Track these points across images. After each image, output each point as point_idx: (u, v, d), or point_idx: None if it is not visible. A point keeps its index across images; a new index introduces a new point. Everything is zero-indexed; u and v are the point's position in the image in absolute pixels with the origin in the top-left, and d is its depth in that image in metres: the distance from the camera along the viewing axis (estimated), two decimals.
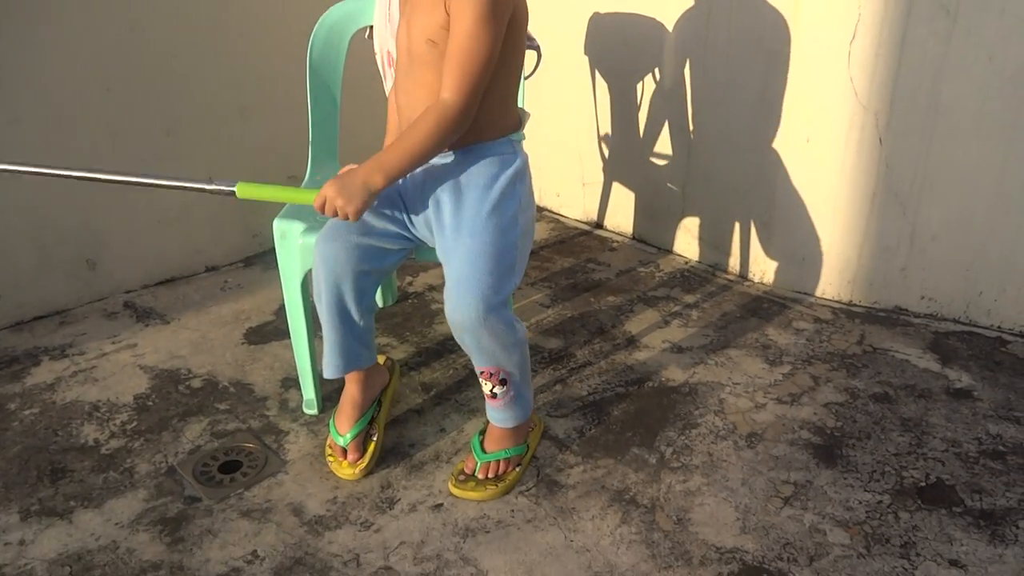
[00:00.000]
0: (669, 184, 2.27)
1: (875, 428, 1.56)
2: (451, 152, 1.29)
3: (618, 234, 2.49)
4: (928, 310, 1.94)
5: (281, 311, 2.09)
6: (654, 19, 2.13)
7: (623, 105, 2.32)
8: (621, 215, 2.46)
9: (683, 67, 2.11)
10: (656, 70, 2.18)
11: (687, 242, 2.28)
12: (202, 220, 2.29)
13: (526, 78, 1.65)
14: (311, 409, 1.66)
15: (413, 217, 1.34)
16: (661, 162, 2.27)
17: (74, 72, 1.94)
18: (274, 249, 1.56)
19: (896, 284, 1.94)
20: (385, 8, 1.62)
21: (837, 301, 2.02)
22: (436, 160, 1.29)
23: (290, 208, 1.59)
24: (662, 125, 2.22)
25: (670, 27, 2.10)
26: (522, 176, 1.31)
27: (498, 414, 1.40)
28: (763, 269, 2.12)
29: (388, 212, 1.34)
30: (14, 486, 1.45)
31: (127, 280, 2.19)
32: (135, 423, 1.63)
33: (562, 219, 2.63)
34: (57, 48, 1.90)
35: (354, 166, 1.23)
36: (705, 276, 2.21)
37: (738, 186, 2.10)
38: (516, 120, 1.33)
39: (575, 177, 2.54)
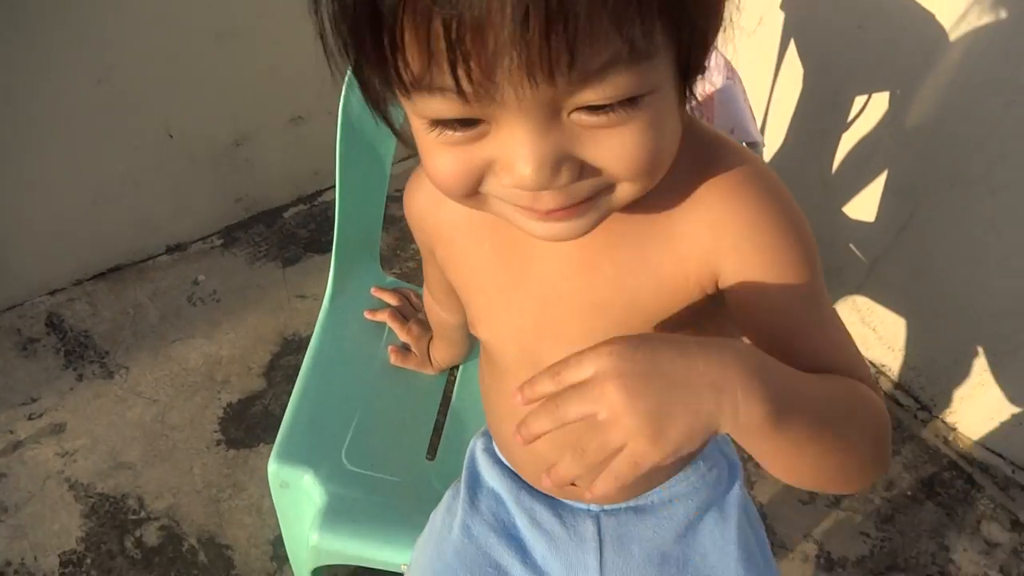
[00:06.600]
0: (851, 245, 1.54)
1: None
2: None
3: None
4: None
5: (274, 368, 1.48)
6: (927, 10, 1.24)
7: (812, 103, 1.49)
8: None
9: (947, 106, 1.27)
10: (894, 91, 1.34)
11: (851, 322, 1.62)
12: (161, 189, 1.55)
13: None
14: None
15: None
16: (851, 213, 1.51)
17: None
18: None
19: None
20: None
21: None
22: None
23: (294, 437, 0.95)
24: (870, 171, 1.43)
25: (953, 33, 1.23)
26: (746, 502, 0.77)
27: None
28: (955, 411, 1.51)
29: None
30: None
31: (52, 277, 1.53)
32: None
33: None
34: None
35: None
36: None
37: (970, 306, 1.39)
38: None
39: None
